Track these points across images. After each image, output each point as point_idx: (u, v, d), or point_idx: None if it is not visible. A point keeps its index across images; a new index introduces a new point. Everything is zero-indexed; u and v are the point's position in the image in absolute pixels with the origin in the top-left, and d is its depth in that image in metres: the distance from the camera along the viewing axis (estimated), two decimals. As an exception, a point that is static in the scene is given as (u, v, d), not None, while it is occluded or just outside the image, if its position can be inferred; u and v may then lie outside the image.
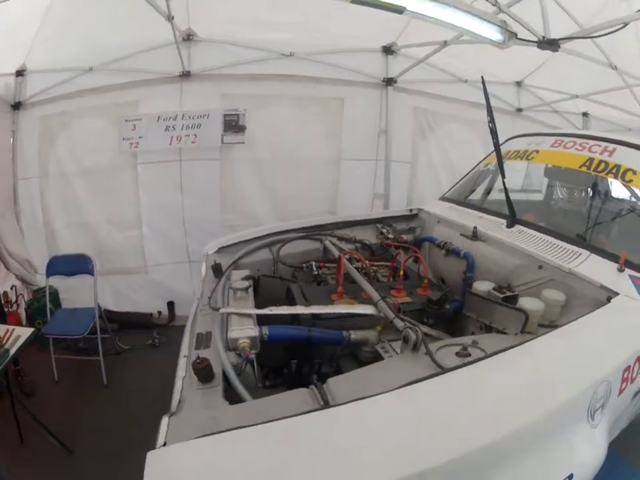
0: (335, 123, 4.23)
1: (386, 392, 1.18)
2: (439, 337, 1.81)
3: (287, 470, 1.03)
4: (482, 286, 2.00)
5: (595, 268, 1.91)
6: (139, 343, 3.67)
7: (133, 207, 3.69)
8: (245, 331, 1.65)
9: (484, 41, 2.71)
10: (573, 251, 2.05)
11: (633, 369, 1.53)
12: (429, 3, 2.19)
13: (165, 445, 1.13)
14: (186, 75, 3.43)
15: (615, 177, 2.31)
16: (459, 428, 1.13)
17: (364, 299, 2.01)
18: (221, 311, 1.80)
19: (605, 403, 1.41)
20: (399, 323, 1.64)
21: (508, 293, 1.90)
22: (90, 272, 3.31)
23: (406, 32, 3.82)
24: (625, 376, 1.50)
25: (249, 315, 1.76)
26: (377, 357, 1.76)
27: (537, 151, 2.82)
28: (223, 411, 1.32)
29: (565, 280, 1.91)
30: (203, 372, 1.45)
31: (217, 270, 2.23)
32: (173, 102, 3.52)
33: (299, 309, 1.87)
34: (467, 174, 3.42)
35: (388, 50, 4.11)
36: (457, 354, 1.46)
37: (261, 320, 1.75)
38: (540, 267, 2.06)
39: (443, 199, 3.22)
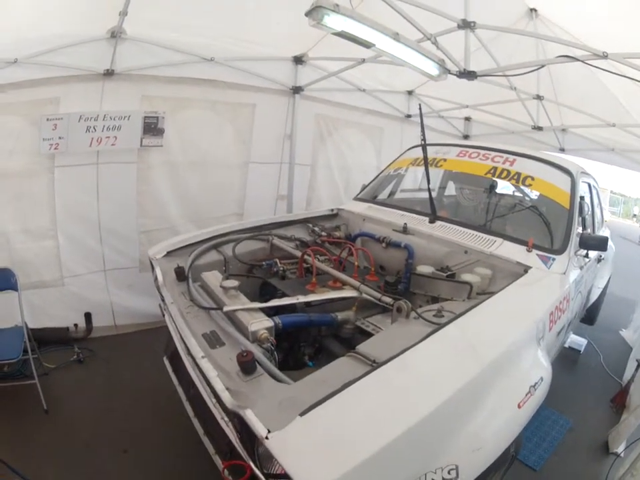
0: (246, 127, 4.64)
1: (412, 345, 1.66)
2: None
3: (383, 410, 1.41)
4: (425, 269, 2.63)
5: (509, 250, 2.67)
6: (62, 360, 3.59)
7: (49, 214, 3.60)
8: (262, 323, 1.90)
9: (422, 73, 3.43)
10: (489, 239, 2.79)
11: (554, 313, 2.36)
12: (392, 42, 2.78)
13: (269, 432, 1.28)
14: (110, 73, 3.46)
15: (517, 182, 3.14)
16: (465, 357, 1.73)
17: (332, 286, 2.48)
18: (226, 309, 2.00)
19: (544, 335, 2.19)
20: (387, 299, 2.18)
21: (449, 272, 2.59)
22: (13, 287, 3.18)
23: (317, 46, 4.35)
24: (551, 318, 2.31)
25: (255, 310, 2.02)
26: (355, 333, 2.24)
27: (445, 160, 3.55)
28: (293, 391, 1.54)
29: (488, 260, 2.64)
30: (249, 364, 1.62)
31: (180, 273, 2.42)
32: (94, 101, 3.52)
33: (293, 300, 2.17)
34: (376, 177, 4.10)
35: (299, 60, 4.63)
36: (435, 316, 1.98)
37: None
38: (466, 252, 2.74)
39: (358, 199, 3.84)
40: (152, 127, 3.79)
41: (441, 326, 1.83)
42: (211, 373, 1.64)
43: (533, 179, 3.06)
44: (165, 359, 2.81)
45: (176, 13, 3.32)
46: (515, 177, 3.10)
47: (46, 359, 3.45)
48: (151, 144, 3.85)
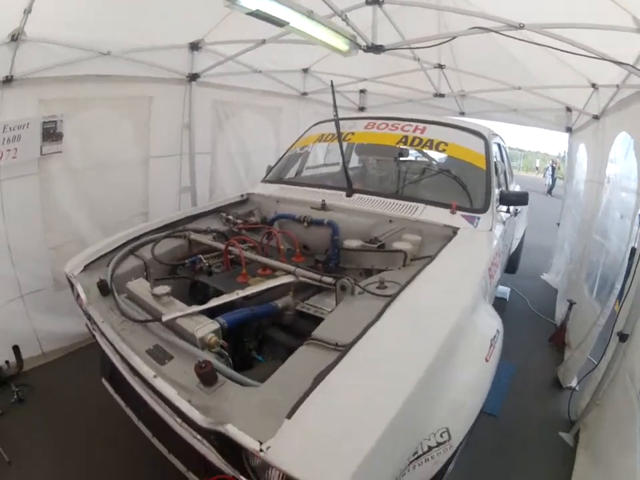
0: (144, 122, 4.48)
1: (373, 322, 1.66)
2: None
3: (370, 393, 1.38)
4: (353, 243, 2.62)
5: (434, 214, 2.77)
6: (4, 403, 3.32)
7: None
8: (207, 327, 1.79)
9: (333, 49, 3.42)
10: (411, 206, 2.87)
11: (492, 268, 2.49)
12: (306, 20, 2.77)
13: (261, 444, 1.21)
14: (9, 80, 3.17)
15: (431, 148, 3.23)
16: (428, 325, 1.75)
17: (263, 274, 2.43)
18: (165, 319, 1.86)
19: (487, 290, 2.31)
20: (328, 279, 2.14)
21: (379, 243, 2.62)
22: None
23: (213, 32, 4.29)
24: (490, 273, 2.43)
25: (196, 314, 1.90)
26: (296, 318, 2.18)
27: (353, 133, 3.60)
28: (265, 393, 1.47)
29: (414, 226, 2.71)
30: (210, 375, 1.52)
31: (104, 287, 2.25)
32: None
33: (233, 296, 2.07)
34: (281, 157, 4.10)
35: (195, 46, 4.50)
36: (378, 288, 2.00)
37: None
38: (390, 221, 2.80)
39: (266, 181, 3.80)
40: (51, 133, 3.52)
41: (392, 298, 1.85)
42: (170, 392, 1.55)
43: (446, 144, 3.17)
44: (103, 380, 2.63)
45: (74, 9, 3.09)
46: (428, 144, 3.21)
47: None
48: (51, 151, 3.59)
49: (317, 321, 1.97)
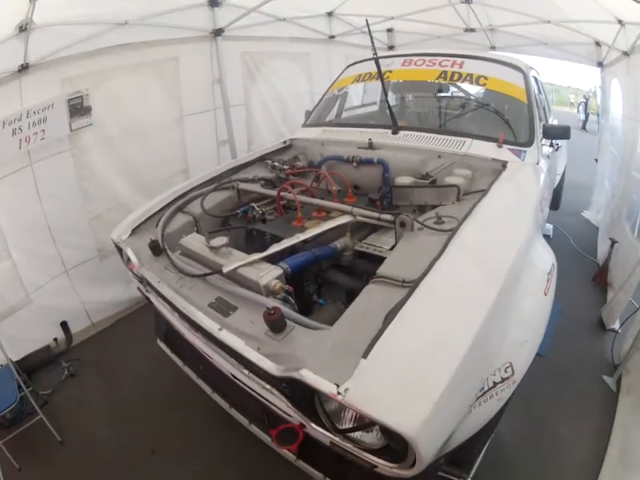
0: (173, 82, 4.47)
1: (437, 257, 1.65)
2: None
3: (442, 329, 1.38)
4: (405, 180, 2.59)
5: (481, 148, 2.70)
6: (55, 381, 3.40)
7: None
8: (271, 273, 1.77)
9: None
10: (457, 141, 2.80)
11: (543, 199, 2.52)
12: None
13: (338, 387, 1.21)
14: (25, 67, 3.18)
15: (471, 83, 3.15)
16: (492, 258, 1.76)
17: (317, 217, 2.44)
18: (226, 270, 1.82)
19: (539, 223, 2.29)
20: (387, 216, 2.13)
21: (431, 179, 2.60)
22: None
23: None
24: (541, 207, 2.41)
25: (258, 261, 1.87)
26: (354, 258, 2.15)
27: (391, 71, 3.48)
28: (335, 335, 1.46)
29: (463, 160, 2.66)
30: (279, 321, 1.51)
31: (156, 247, 2.22)
32: (14, 102, 3.20)
33: (294, 240, 2.05)
34: (320, 100, 4.00)
35: (214, 2, 4.44)
36: (436, 223, 2.00)
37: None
38: (439, 156, 2.76)
39: (307, 125, 3.74)
40: (78, 108, 3.54)
41: (453, 232, 1.83)
42: (237, 344, 1.53)
43: (486, 78, 3.08)
44: (158, 341, 2.70)
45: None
46: (468, 78, 3.12)
47: (40, 387, 3.29)
48: (80, 125, 3.61)
49: (376, 259, 1.98)
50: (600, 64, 5.75)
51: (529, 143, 2.75)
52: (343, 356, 1.31)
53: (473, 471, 1.80)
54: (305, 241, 2.09)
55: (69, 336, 3.80)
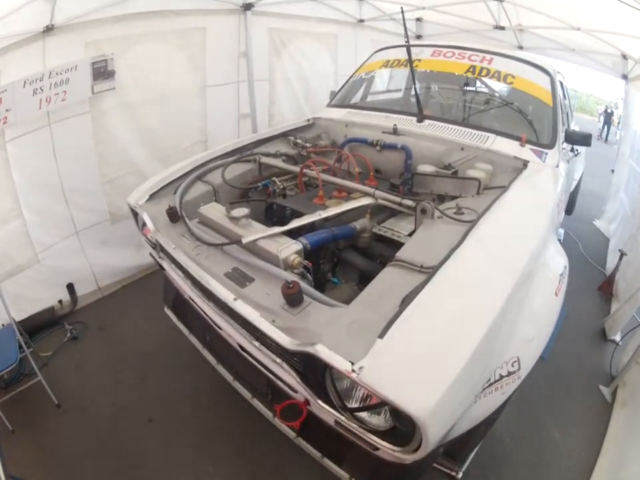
0: (199, 52, 4.45)
1: (456, 247, 1.67)
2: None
3: (458, 316, 1.39)
4: (427, 168, 2.60)
5: (504, 145, 2.72)
6: (57, 343, 3.41)
7: (9, 195, 3.29)
8: (291, 248, 1.78)
9: None
10: (481, 135, 2.81)
11: (560, 201, 2.51)
12: None
13: (353, 364, 1.21)
14: (50, 29, 3.16)
15: (498, 80, 3.15)
16: (508, 252, 1.78)
17: (338, 197, 2.44)
18: (245, 241, 1.83)
19: (556, 222, 2.32)
20: (408, 202, 2.15)
21: (453, 170, 2.57)
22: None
23: None
24: (558, 209, 2.42)
25: (278, 235, 1.89)
26: (372, 241, 2.18)
27: (420, 60, 3.45)
28: (352, 314, 1.46)
29: (485, 156, 2.66)
30: (297, 295, 1.52)
31: (173, 214, 2.22)
32: (36, 62, 3.18)
33: (315, 217, 2.06)
34: (346, 82, 3.98)
35: None
36: (456, 213, 2.03)
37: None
38: (462, 149, 2.74)
39: (332, 106, 3.73)
40: (102, 72, 3.53)
41: (473, 224, 1.85)
42: (252, 315, 1.53)
43: (513, 77, 3.08)
44: (166, 309, 2.73)
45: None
46: (496, 75, 3.12)
47: (40, 349, 3.29)
48: (103, 89, 3.60)
49: (393, 244, 2.01)
50: (625, 76, 5.74)
51: (550, 145, 2.76)
52: (359, 335, 1.33)
53: (465, 466, 1.84)
54: (325, 219, 2.10)
55: (74, 298, 3.81)
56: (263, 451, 2.53)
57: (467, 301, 1.46)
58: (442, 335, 1.31)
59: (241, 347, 1.83)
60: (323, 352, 1.28)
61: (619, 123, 11.55)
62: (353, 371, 1.19)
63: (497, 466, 2.51)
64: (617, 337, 3.64)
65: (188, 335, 2.49)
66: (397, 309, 1.37)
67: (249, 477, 2.43)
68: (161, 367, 3.12)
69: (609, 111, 17.58)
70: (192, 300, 2.08)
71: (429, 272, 1.54)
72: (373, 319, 1.37)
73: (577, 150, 3.68)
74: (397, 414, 1.23)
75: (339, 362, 1.24)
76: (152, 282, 3.81)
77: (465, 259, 1.62)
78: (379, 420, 1.38)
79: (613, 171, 6.55)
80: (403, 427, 1.26)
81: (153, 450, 2.57)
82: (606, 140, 16.55)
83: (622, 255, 4.29)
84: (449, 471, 1.77)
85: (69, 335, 3.46)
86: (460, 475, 1.78)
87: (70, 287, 3.78)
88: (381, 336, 1.26)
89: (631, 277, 4.00)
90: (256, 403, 2.04)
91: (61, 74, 3.25)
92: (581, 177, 5.37)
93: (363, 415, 1.40)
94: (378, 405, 1.29)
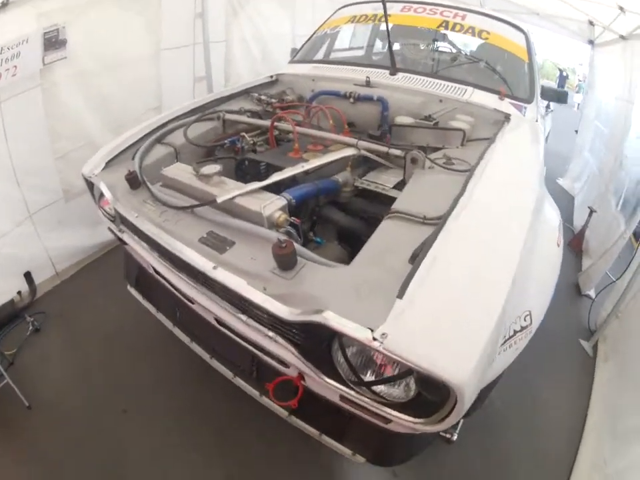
0: (154, 15, 4.21)
1: (460, 195, 1.57)
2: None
3: (479, 271, 1.26)
4: (405, 119, 2.51)
5: (483, 98, 2.65)
6: (20, 338, 3.12)
7: None
8: (274, 204, 1.61)
9: None
10: (459, 88, 2.73)
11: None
12: None
13: (373, 331, 1.05)
14: (5, 4, 2.91)
15: (473, 35, 3.08)
16: (512, 203, 1.67)
17: (314, 150, 2.28)
18: (220, 200, 1.62)
19: (543, 176, 2.20)
20: (397, 151, 2.02)
21: (434, 121, 2.44)
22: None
23: None
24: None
25: (257, 191, 1.71)
26: (352, 196, 2.06)
27: (389, 15, 3.17)
28: (357, 274, 1.30)
29: (465, 108, 2.57)
30: (291, 257, 1.34)
31: (134, 180, 1.98)
32: None
33: (298, 169, 1.89)
34: (309, 38, 3.83)
35: None
36: (445, 163, 1.93)
37: None
38: (440, 101, 2.65)
39: (295, 62, 3.57)
40: (53, 41, 3.27)
41: (471, 172, 1.76)
42: (237, 283, 1.35)
43: (488, 32, 3.05)
44: (129, 287, 2.50)
45: None
46: (470, 31, 3.06)
47: (5, 347, 3.01)
48: (54, 59, 3.33)
49: (378, 198, 1.90)
50: (591, 42, 5.90)
51: (529, 100, 2.73)
52: (371, 297, 1.17)
53: (458, 428, 1.86)
54: (306, 172, 1.94)
55: (32, 287, 3.54)
56: (249, 432, 2.41)
57: (486, 252, 1.34)
58: (467, 291, 1.18)
59: (219, 321, 1.66)
60: (334, 320, 1.11)
61: (576, 86, 11.84)
62: (374, 339, 1.03)
63: (490, 430, 2.49)
64: (592, 293, 3.72)
65: (155, 313, 2.29)
66: (408, 265, 1.23)
67: (235, 462, 2.31)
68: (129, 350, 2.95)
69: (564, 74, 18.07)
70: (159, 274, 1.87)
71: (435, 223, 1.43)
72: (384, 278, 1.22)
73: (551, 108, 3.67)
74: (426, 383, 1.07)
75: (354, 330, 1.07)
76: (111, 261, 3.63)
77: (474, 208, 1.52)
78: (399, 391, 1.23)
79: (576, 131, 6.76)
80: (431, 397, 1.11)
81: (132, 442, 2.42)
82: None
83: (591, 211, 4.39)
84: (445, 434, 1.73)
85: (30, 327, 3.20)
86: (455, 437, 1.79)
87: (27, 276, 3.51)
88: (400, 296, 1.12)
89: (603, 234, 4.10)
90: (239, 382, 1.88)
91: (11, 48, 2.98)
92: (548, 135, 5.44)
93: (380, 387, 1.24)
94: (402, 374, 1.15)
